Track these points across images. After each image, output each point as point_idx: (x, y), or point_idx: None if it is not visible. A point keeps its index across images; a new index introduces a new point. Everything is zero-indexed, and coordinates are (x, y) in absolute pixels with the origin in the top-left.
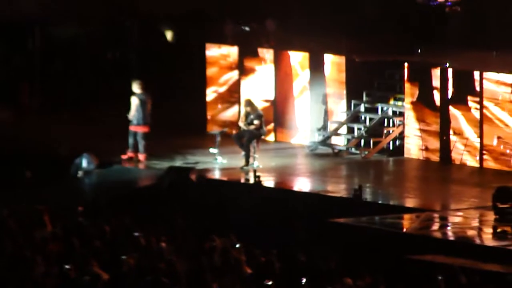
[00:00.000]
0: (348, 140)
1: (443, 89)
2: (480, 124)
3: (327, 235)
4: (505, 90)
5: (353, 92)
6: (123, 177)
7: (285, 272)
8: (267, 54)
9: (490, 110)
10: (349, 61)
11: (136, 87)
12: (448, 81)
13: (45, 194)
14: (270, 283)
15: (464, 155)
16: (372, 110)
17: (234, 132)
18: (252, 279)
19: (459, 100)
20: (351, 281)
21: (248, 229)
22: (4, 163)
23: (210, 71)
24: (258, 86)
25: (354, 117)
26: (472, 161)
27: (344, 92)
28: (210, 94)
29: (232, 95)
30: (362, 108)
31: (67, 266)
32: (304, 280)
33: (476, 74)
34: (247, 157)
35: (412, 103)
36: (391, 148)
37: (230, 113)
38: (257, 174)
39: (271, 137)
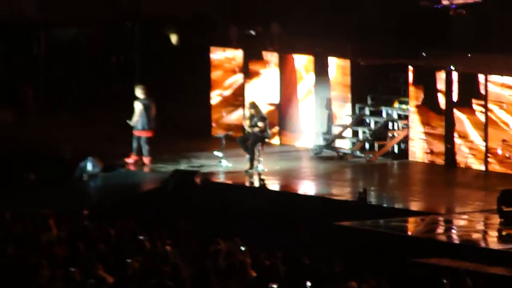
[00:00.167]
0: (353, 143)
1: (448, 92)
2: (485, 127)
3: (331, 238)
4: (510, 93)
5: (357, 96)
6: (128, 181)
7: (289, 276)
8: (271, 57)
9: (495, 113)
10: (354, 64)
11: (139, 92)
12: (453, 84)
13: (50, 197)
14: (275, 286)
15: (469, 158)
16: (376, 113)
17: (238, 135)
18: (256, 282)
19: (464, 103)
20: (356, 285)
21: (253, 232)
22: (7, 165)
23: (215, 74)
24: (263, 90)
25: (358, 121)
26: (477, 164)
27: (349, 95)
28: (215, 97)
29: (236, 99)
30: (366, 111)
31: (72, 270)
32: (308, 284)
33: (481, 77)
34: (252, 160)
35: (417, 106)
36: (395, 151)
37: (234, 117)
38: (262, 177)
39: (275, 140)
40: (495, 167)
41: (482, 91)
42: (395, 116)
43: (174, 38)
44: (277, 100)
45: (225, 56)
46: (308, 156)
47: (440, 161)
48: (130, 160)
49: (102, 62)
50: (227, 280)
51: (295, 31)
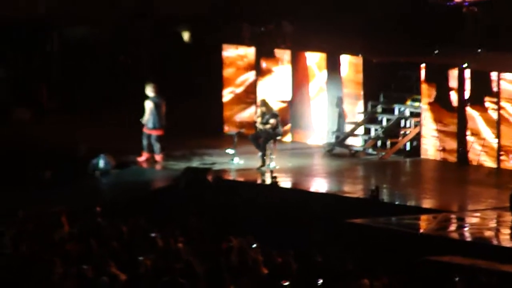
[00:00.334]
0: (365, 141)
1: (460, 89)
2: (498, 124)
3: (343, 236)
4: None
5: (370, 93)
6: (140, 178)
7: (301, 273)
8: (284, 55)
9: (507, 110)
10: (366, 62)
11: (149, 91)
12: (465, 81)
13: (63, 194)
14: (287, 284)
15: (481, 155)
16: (389, 111)
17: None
18: (268, 280)
19: (477, 101)
20: (368, 282)
21: (265, 230)
22: (22, 163)
23: (227, 72)
24: (275, 87)
25: (371, 118)
26: (489, 162)
27: (361, 93)
28: (227, 95)
29: (248, 96)
30: (379, 109)
31: (84, 267)
32: (320, 281)
33: (494, 74)
34: (264, 157)
35: (429, 103)
36: (408, 149)
37: (246, 114)
38: (274, 174)
39: (287, 138)
40: (507, 164)
41: (495, 89)
42: (407, 113)
43: (186, 36)
44: (289, 98)
45: (237, 54)
46: (320, 154)
47: (452, 158)
48: (142, 158)
49: (114, 61)
50: (239, 277)
51: (307, 29)
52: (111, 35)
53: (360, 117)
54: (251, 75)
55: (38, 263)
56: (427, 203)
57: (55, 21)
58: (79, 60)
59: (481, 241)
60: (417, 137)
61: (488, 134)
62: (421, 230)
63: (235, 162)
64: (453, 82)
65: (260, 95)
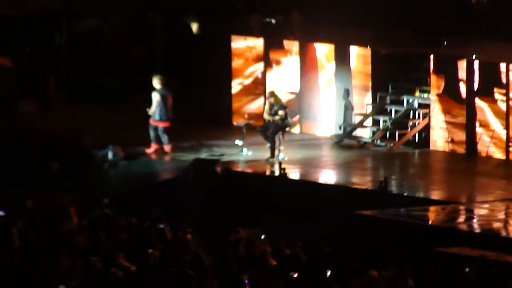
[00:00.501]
0: (374, 132)
1: (469, 81)
2: (506, 116)
3: (352, 227)
4: None
5: (378, 84)
6: (149, 169)
7: (310, 264)
8: (292, 46)
9: None
10: (374, 53)
11: (156, 82)
12: (474, 73)
13: (71, 186)
14: (295, 275)
15: (490, 147)
16: (397, 102)
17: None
18: (277, 271)
19: (485, 92)
20: (376, 274)
21: (273, 221)
22: (30, 155)
23: (236, 63)
24: (284, 78)
25: (379, 109)
26: (498, 153)
27: (370, 84)
28: (236, 86)
29: (257, 87)
30: (387, 100)
31: (93, 258)
32: (329, 273)
33: (503, 65)
34: (273, 149)
35: (438, 95)
36: (416, 140)
37: (255, 105)
38: (283, 166)
39: (296, 129)
40: None
41: (504, 80)
42: (416, 105)
43: (195, 27)
44: (297, 89)
45: (246, 45)
46: (328, 145)
47: (461, 150)
48: (151, 149)
49: (124, 52)
50: (248, 268)
51: (316, 20)
52: (120, 27)
53: (369, 109)
54: (259, 66)
55: (46, 253)
56: (435, 195)
57: (64, 12)
58: (88, 52)
59: (489, 232)
60: (426, 128)
61: (497, 125)
62: (430, 222)
63: (243, 154)
64: (462, 73)
65: (268, 87)
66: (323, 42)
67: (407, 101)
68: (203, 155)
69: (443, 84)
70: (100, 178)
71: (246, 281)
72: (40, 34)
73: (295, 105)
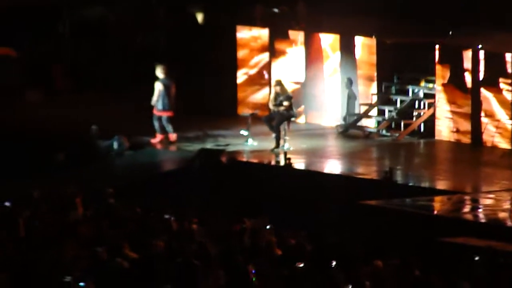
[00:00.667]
0: (379, 122)
1: (475, 71)
2: None
3: (357, 218)
4: None
5: (384, 74)
6: (154, 159)
7: (315, 255)
8: (297, 36)
9: None
10: (380, 43)
11: (159, 72)
12: (480, 63)
13: (77, 176)
14: (301, 265)
15: (495, 137)
16: (403, 92)
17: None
18: (282, 261)
19: (491, 82)
20: (381, 264)
21: (278, 211)
22: (36, 145)
23: (241, 53)
24: (289, 68)
25: (385, 99)
26: (503, 143)
27: (375, 74)
28: (241, 76)
29: (262, 77)
30: (393, 90)
31: (98, 249)
32: (334, 263)
33: (508, 56)
34: (278, 139)
35: (443, 85)
36: (422, 130)
37: (260, 95)
38: (288, 156)
39: (301, 119)
40: None
41: (509, 70)
42: (421, 95)
43: (200, 17)
44: (302, 79)
45: (251, 35)
46: (334, 135)
47: (466, 140)
48: (156, 139)
49: (128, 42)
50: (253, 258)
51: (321, 10)
52: (125, 16)
53: (374, 99)
54: (265, 56)
55: (51, 244)
56: (441, 185)
57: (67, 1)
58: (92, 41)
59: (495, 222)
60: (431, 118)
61: (502, 115)
62: (435, 212)
63: (249, 144)
64: (467, 63)
65: (274, 76)
66: (328, 32)
67: (413, 91)
68: (209, 145)
69: (448, 74)
70: (105, 168)
71: (253, 271)
72: (44, 23)
73: (300, 95)
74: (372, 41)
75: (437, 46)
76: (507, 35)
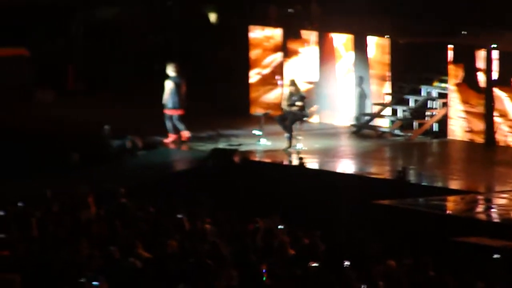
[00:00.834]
0: (392, 122)
1: (488, 70)
2: None
3: (370, 217)
4: None
5: (397, 74)
6: (167, 159)
7: (328, 254)
8: (310, 36)
9: None
10: (393, 43)
11: (170, 70)
12: (493, 62)
13: (91, 176)
14: (315, 265)
15: (508, 136)
16: (416, 91)
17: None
18: (295, 261)
19: (504, 82)
20: (394, 263)
21: (292, 211)
22: (49, 145)
23: (254, 53)
24: (302, 68)
25: (398, 99)
26: None
27: (388, 74)
28: (254, 76)
29: (275, 77)
30: (406, 90)
31: (111, 248)
32: (347, 262)
33: None
34: (291, 138)
35: (457, 84)
36: (435, 130)
37: (273, 95)
38: (301, 156)
39: (314, 119)
40: None
41: None
42: (434, 94)
43: (213, 17)
44: (316, 79)
45: (264, 35)
46: (346, 135)
47: (479, 139)
48: (169, 139)
49: (141, 41)
50: (266, 258)
51: (334, 10)
52: (138, 16)
53: (387, 98)
54: (278, 56)
55: (64, 243)
56: (454, 184)
57: (81, 1)
58: (105, 41)
59: (508, 222)
60: (444, 118)
61: None
62: (449, 211)
63: (262, 143)
64: (480, 63)
65: (287, 76)
66: (341, 32)
67: (426, 91)
68: (221, 145)
69: (461, 73)
70: (118, 168)
71: (264, 270)
72: (57, 23)
73: (313, 94)
74: (385, 41)
75: (450, 46)
76: None
